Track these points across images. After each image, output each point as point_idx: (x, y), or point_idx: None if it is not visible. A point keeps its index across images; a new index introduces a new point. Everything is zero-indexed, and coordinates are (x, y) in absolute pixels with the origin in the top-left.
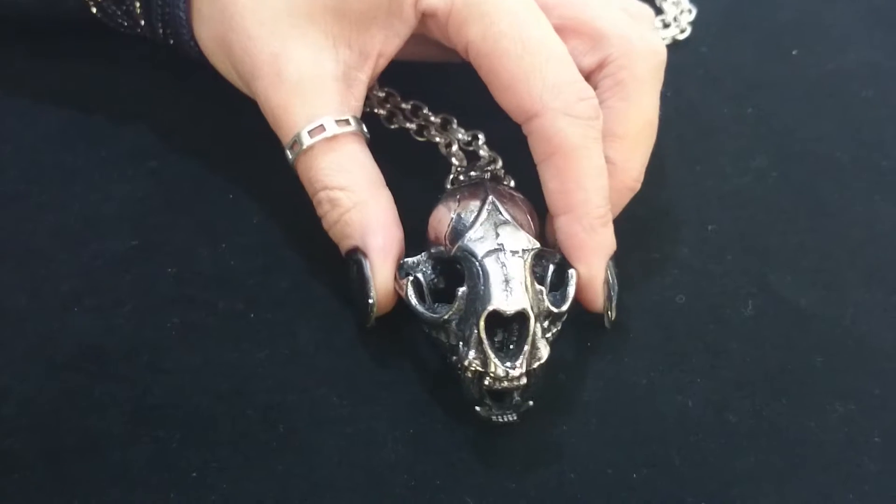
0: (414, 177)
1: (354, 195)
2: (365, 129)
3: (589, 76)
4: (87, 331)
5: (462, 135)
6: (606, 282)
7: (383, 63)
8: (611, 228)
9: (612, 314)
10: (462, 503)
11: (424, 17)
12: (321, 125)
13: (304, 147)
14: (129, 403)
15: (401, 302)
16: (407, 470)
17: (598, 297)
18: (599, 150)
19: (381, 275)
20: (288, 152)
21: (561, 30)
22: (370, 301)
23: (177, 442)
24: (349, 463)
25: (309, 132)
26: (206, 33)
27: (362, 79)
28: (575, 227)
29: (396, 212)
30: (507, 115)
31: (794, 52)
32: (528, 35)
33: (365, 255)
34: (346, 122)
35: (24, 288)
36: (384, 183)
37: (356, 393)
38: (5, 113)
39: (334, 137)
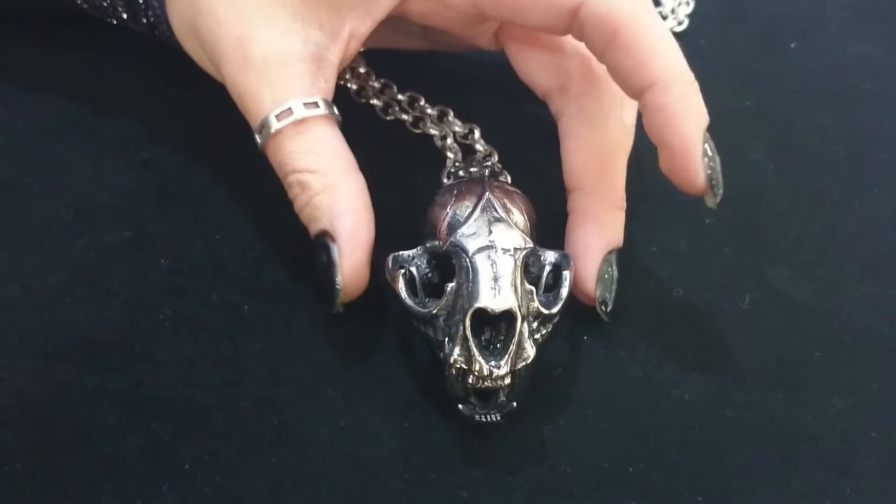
0: (409, 170)
1: (324, 178)
2: (336, 112)
3: (547, 95)
4: (80, 322)
5: (458, 127)
6: (705, 157)
7: (355, 46)
8: (700, 98)
9: (719, 193)
10: (457, 497)
11: None
12: (289, 108)
13: (273, 131)
14: (121, 395)
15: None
16: (402, 463)
17: (698, 173)
18: (658, 17)
19: (348, 259)
20: (257, 137)
21: (526, 39)
22: (336, 287)
23: (169, 434)
24: (343, 456)
25: (276, 116)
26: (178, 20)
27: (332, 60)
28: (665, 97)
29: (368, 196)
30: (503, 110)
31: (792, 45)
32: None
33: (333, 239)
34: (315, 104)
35: (16, 279)
36: (356, 167)
37: (350, 386)
38: None
39: (303, 120)
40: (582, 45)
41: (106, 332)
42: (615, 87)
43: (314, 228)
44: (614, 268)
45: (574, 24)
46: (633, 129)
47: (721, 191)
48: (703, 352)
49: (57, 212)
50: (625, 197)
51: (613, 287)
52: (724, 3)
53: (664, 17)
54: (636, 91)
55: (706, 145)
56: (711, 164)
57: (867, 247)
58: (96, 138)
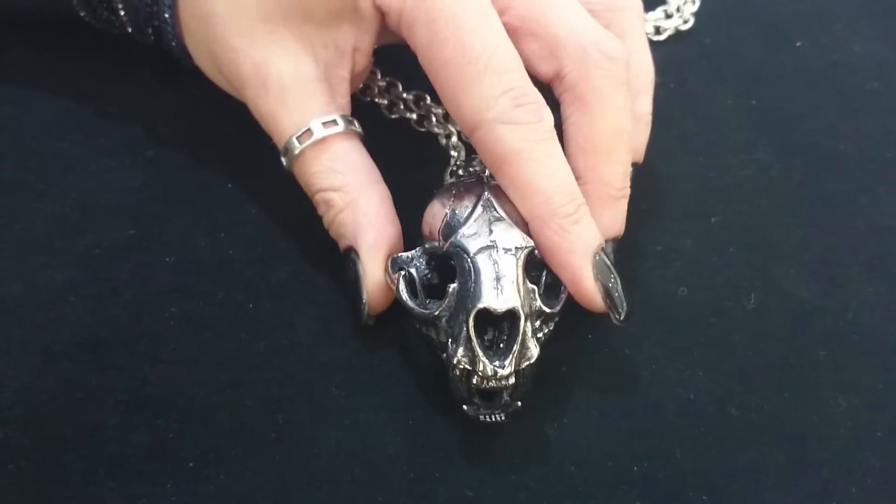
0: (413, 169)
1: (347, 195)
2: (356, 126)
3: (549, 85)
4: (85, 320)
5: None
6: (598, 279)
7: (361, 59)
8: (586, 224)
9: (622, 311)
10: (462, 496)
11: (383, 15)
12: (309, 130)
13: (296, 153)
14: (126, 393)
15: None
16: (406, 462)
17: (592, 297)
18: (550, 150)
19: (371, 273)
20: (283, 159)
21: (518, 32)
22: (363, 300)
23: (174, 432)
24: (348, 455)
25: (297, 138)
26: (195, 46)
27: (344, 76)
28: (545, 232)
29: (392, 208)
30: None
31: (797, 44)
32: (472, 43)
33: (358, 255)
34: (334, 122)
35: (21, 277)
36: (379, 178)
37: (355, 384)
38: (2, 101)
39: (323, 140)
40: (578, 30)
41: (110, 330)
42: (615, 72)
43: (342, 244)
44: (610, 269)
45: (471, 138)
46: (647, 119)
47: (625, 308)
48: (709, 351)
49: (62, 210)
50: (627, 185)
51: (617, 290)
52: (730, 1)
53: (669, 16)
54: (525, 219)
55: (604, 266)
56: (609, 283)
57: (873, 246)
58: (101, 137)
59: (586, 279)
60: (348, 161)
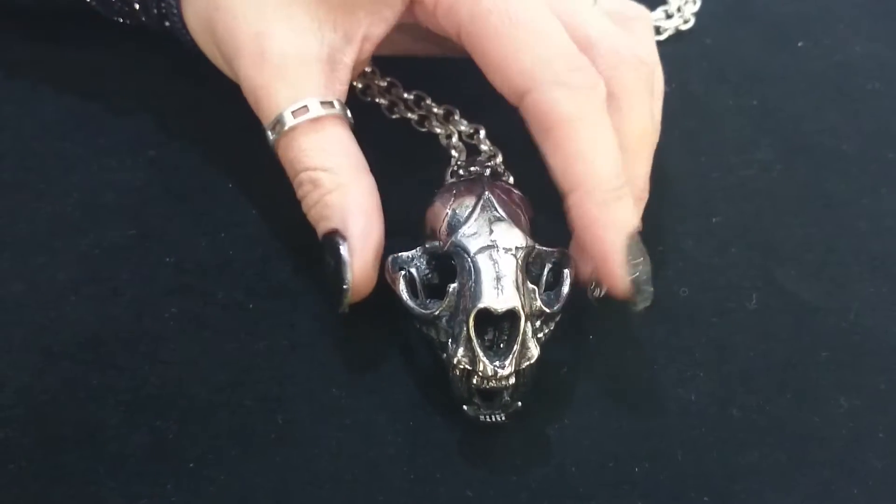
0: (413, 169)
1: (337, 177)
2: (349, 114)
3: None
4: (85, 320)
5: (464, 127)
6: (629, 262)
7: (369, 48)
8: (627, 204)
9: (645, 299)
10: (462, 496)
11: (412, 4)
12: (305, 106)
13: (287, 128)
14: (126, 393)
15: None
16: (407, 462)
17: (621, 278)
18: (602, 121)
19: (359, 259)
20: (269, 133)
21: None
22: (345, 286)
23: (174, 432)
24: (348, 455)
25: (292, 113)
26: (194, 15)
27: (347, 63)
28: (586, 204)
29: (378, 198)
30: (510, 110)
31: (799, 44)
32: (515, 10)
33: (343, 239)
34: (331, 104)
35: (22, 276)
36: (368, 169)
37: (355, 385)
38: (3, 101)
39: (318, 119)
40: (609, 33)
41: (111, 330)
42: (645, 75)
43: (324, 227)
44: (643, 253)
45: (521, 105)
46: (657, 125)
47: (648, 297)
48: (710, 352)
49: (63, 210)
50: (647, 188)
51: (647, 277)
52: (731, 1)
53: (670, 16)
54: (563, 190)
55: (636, 250)
56: (638, 269)
57: (875, 247)
58: (103, 136)
59: (618, 257)
60: (340, 145)
